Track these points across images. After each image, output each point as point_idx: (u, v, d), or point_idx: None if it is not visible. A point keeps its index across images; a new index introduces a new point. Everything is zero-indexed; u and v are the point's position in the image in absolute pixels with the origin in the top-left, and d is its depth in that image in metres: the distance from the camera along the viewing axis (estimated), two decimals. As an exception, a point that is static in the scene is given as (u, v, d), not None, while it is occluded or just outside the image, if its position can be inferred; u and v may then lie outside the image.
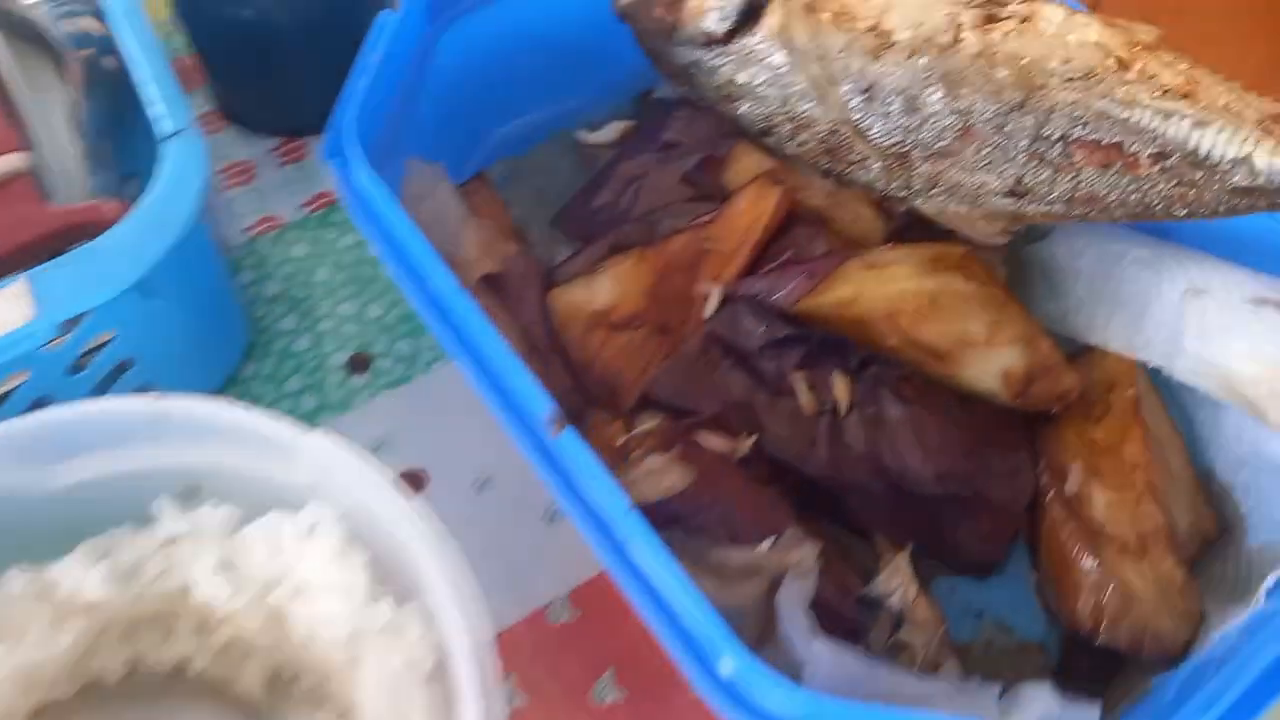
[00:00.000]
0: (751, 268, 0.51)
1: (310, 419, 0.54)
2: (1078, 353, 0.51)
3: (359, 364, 0.56)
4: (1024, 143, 0.45)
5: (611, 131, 0.61)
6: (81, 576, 0.39)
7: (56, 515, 0.40)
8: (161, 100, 0.47)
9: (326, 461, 0.39)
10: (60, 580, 0.39)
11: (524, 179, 0.61)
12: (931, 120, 0.47)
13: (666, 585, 0.36)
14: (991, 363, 0.48)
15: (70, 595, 0.39)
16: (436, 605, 0.36)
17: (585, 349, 0.50)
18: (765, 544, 0.42)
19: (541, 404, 0.40)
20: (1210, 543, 0.46)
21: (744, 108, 0.53)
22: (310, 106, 0.54)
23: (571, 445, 0.39)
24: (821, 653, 0.38)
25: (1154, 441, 0.46)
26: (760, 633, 0.41)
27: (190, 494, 0.42)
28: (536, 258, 0.56)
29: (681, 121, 0.58)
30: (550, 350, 0.51)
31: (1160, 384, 0.47)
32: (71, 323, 0.42)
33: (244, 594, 0.41)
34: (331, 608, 0.40)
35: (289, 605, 0.41)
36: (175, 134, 0.45)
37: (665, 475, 0.45)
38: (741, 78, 0.52)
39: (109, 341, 0.46)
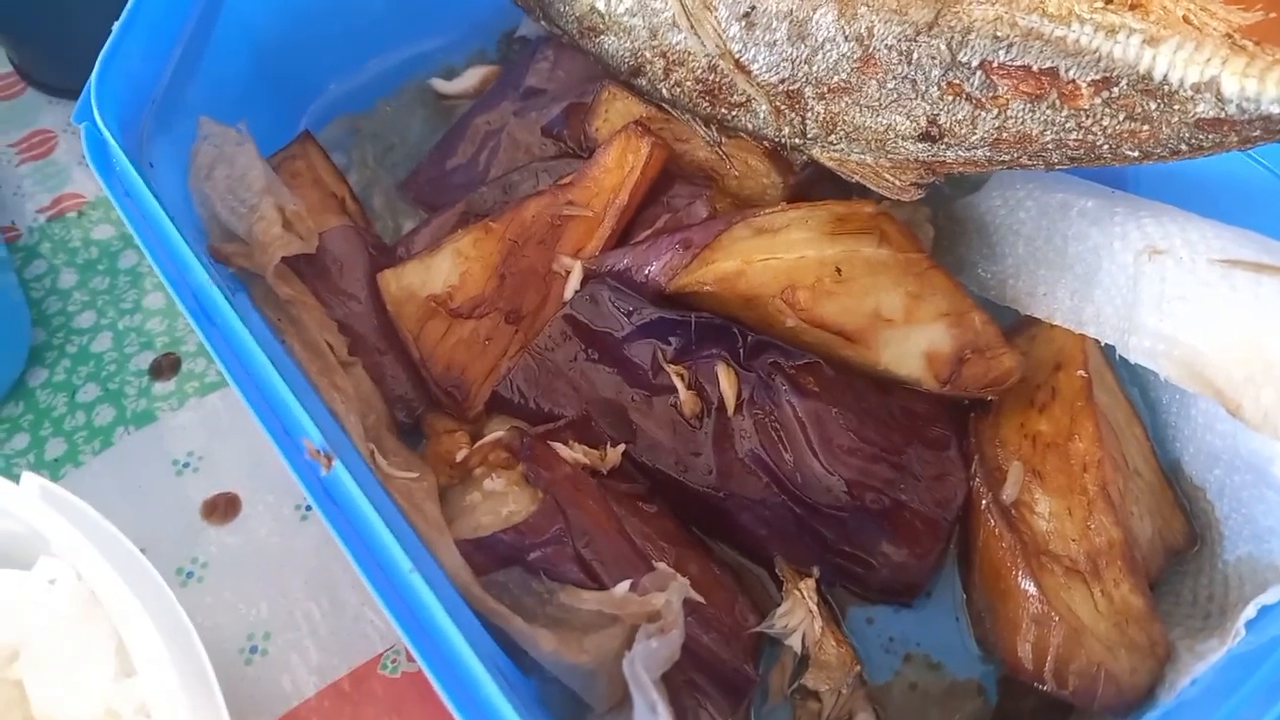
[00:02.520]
0: (621, 237, 0.42)
1: (106, 435, 0.45)
2: (1018, 325, 0.42)
3: (165, 367, 0.47)
4: (936, 73, 0.37)
5: (470, 79, 0.52)
6: None
7: None
8: None
9: (47, 519, 0.31)
10: None
11: (368, 139, 0.52)
12: (824, 48, 0.38)
13: (465, 663, 0.27)
14: (912, 343, 0.40)
15: None
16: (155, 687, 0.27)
17: (422, 342, 0.42)
18: (623, 586, 0.33)
19: (310, 432, 0.31)
20: (1178, 553, 0.38)
21: (609, 42, 0.44)
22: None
23: (347, 486, 0.30)
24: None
25: (1109, 432, 0.38)
26: (620, 695, 0.33)
27: None
28: (371, 231, 0.47)
29: (546, 64, 0.49)
30: (384, 344, 0.42)
31: (1120, 361, 0.38)
32: None
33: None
34: (75, 682, 0.31)
35: (31, 680, 0.32)
36: None
37: (506, 500, 0.37)
38: (603, 5, 0.43)
39: None
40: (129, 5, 0.41)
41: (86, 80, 0.54)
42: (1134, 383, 0.42)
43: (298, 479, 0.31)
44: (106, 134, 0.37)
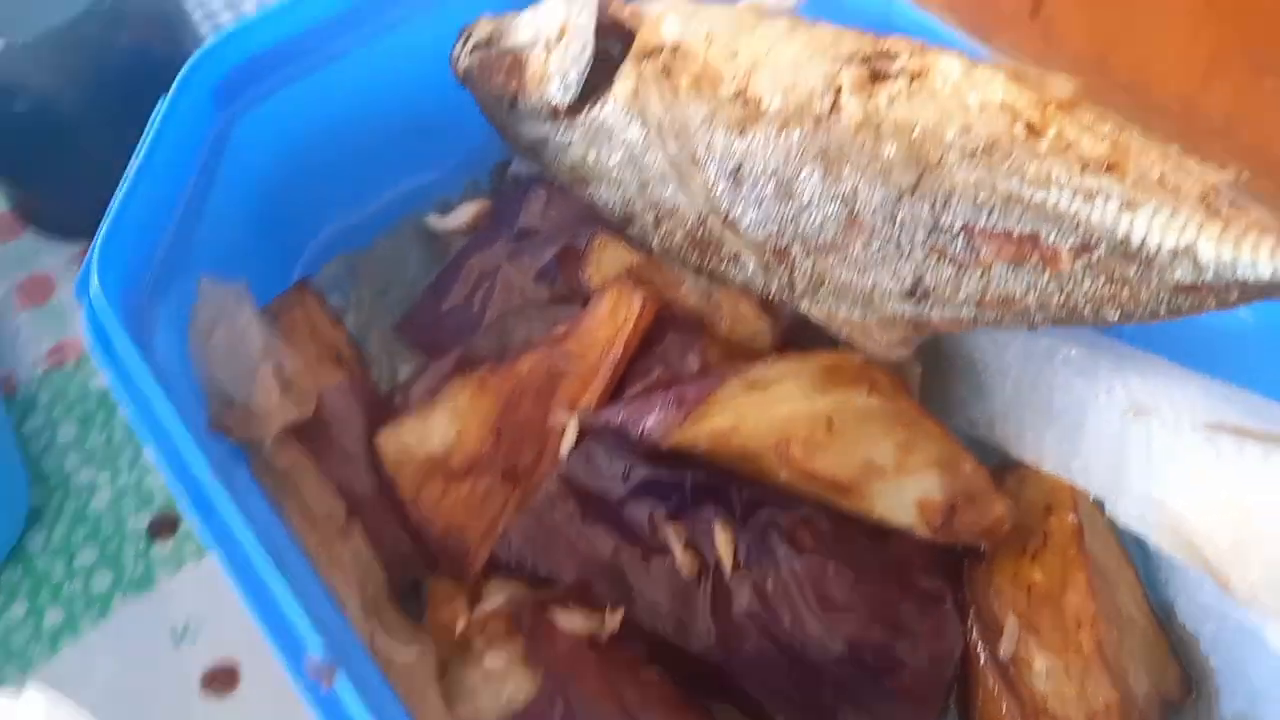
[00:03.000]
0: (615, 389, 0.43)
1: (104, 602, 0.45)
2: (1008, 463, 0.43)
3: (164, 527, 0.47)
4: (920, 235, 0.37)
5: (464, 214, 0.53)
6: None
7: None
8: None
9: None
10: None
11: (366, 276, 0.53)
12: (810, 208, 0.39)
13: None
14: (905, 493, 0.40)
15: None
16: None
17: (421, 503, 0.42)
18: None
19: (311, 643, 0.31)
20: (1173, 705, 0.38)
21: (599, 192, 0.45)
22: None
23: (348, 701, 0.30)
24: None
25: (1102, 581, 0.38)
26: None
27: None
28: (368, 382, 0.47)
29: (538, 204, 0.50)
30: (383, 506, 0.42)
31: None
32: None
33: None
34: None
35: None
36: None
37: (506, 682, 0.37)
38: (593, 157, 0.44)
39: None
40: (128, 174, 0.42)
41: (88, 220, 0.55)
42: (1127, 523, 0.42)
43: (298, 689, 0.31)
44: (106, 315, 0.37)
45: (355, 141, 0.51)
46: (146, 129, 0.42)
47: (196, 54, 0.43)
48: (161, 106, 0.42)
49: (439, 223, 0.53)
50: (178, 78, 0.43)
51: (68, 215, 0.57)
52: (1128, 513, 0.34)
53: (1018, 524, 0.40)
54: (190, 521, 0.34)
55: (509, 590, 0.40)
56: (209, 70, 0.44)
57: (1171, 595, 0.39)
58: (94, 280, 0.38)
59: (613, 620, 0.39)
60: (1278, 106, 1.27)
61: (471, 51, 0.47)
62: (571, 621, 0.38)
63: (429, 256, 0.53)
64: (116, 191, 0.41)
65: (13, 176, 0.56)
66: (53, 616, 0.44)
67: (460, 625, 0.38)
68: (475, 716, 0.35)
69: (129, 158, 0.42)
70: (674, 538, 0.39)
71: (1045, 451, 0.40)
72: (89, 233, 0.49)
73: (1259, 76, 1.28)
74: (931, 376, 0.46)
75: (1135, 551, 0.41)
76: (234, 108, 0.46)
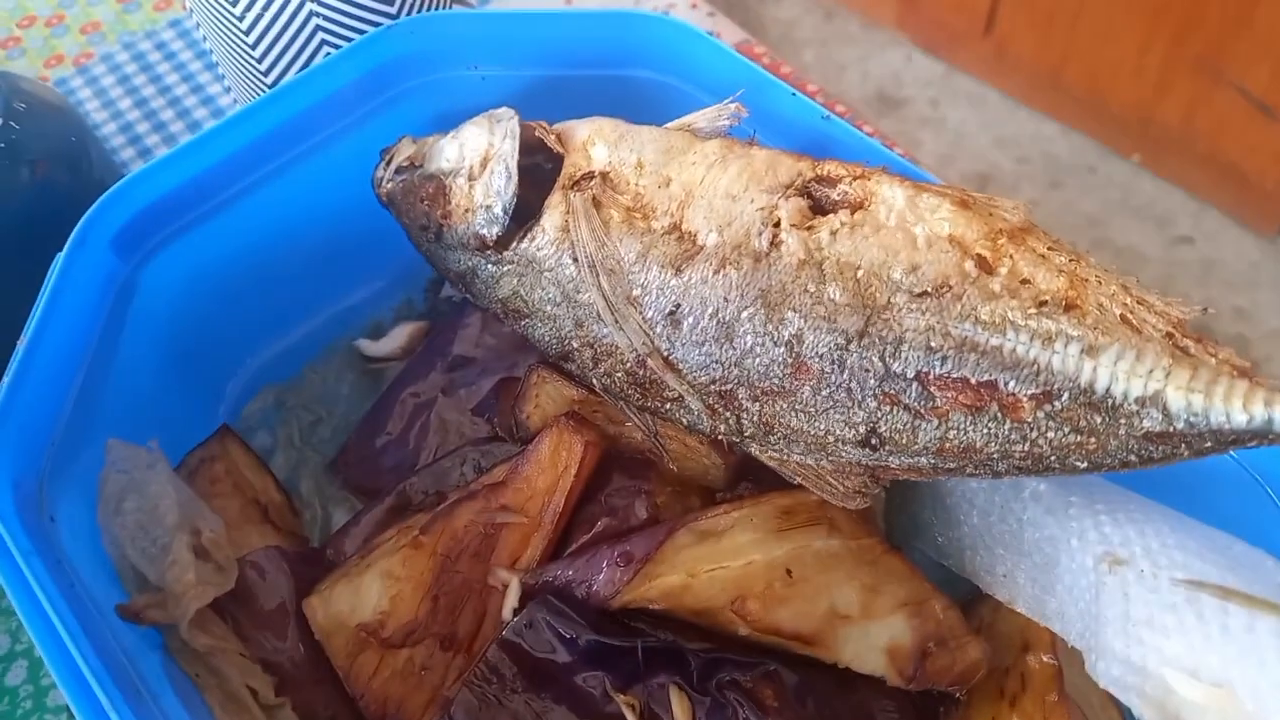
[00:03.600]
0: (559, 541, 0.40)
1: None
2: (981, 594, 0.41)
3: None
4: (871, 381, 0.35)
5: (397, 338, 0.50)
6: None
7: None
8: None
9: None
10: None
11: (295, 409, 0.50)
12: (754, 351, 0.37)
13: None
14: (873, 639, 0.38)
15: None
16: None
17: (356, 675, 0.39)
18: None
19: None
20: None
21: (535, 327, 0.42)
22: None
23: None
24: None
25: (1084, 725, 0.36)
26: None
27: None
28: (298, 537, 0.44)
29: (473, 330, 0.48)
30: (313, 676, 0.40)
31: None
32: None
33: None
34: None
35: None
36: None
37: None
38: (526, 290, 0.41)
39: None
40: (24, 335, 0.39)
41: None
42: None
43: None
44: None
45: (276, 269, 0.49)
46: (44, 286, 0.40)
47: (92, 208, 0.41)
48: (56, 265, 0.40)
49: (371, 348, 0.51)
50: (73, 233, 0.40)
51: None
52: (1109, 675, 0.32)
53: (994, 663, 0.38)
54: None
55: (454, 775, 0.37)
56: (107, 222, 0.41)
57: (1155, 739, 0.37)
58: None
59: (566, 804, 0.36)
60: (1231, 114, 1.27)
61: (394, 174, 0.45)
62: (518, 812, 0.36)
63: (361, 385, 0.50)
64: (10, 361, 0.38)
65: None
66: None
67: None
68: None
69: (28, 306, 0.39)
70: (627, 710, 0.37)
71: (1018, 591, 0.38)
72: None
73: (1210, 86, 1.28)
74: (896, 500, 0.44)
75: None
76: (138, 255, 0.44)
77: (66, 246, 0.40)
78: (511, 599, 0.39)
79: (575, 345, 0.41)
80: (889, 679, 0.38)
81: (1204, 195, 1.37)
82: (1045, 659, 0.38)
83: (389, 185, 0.45)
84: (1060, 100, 1.45)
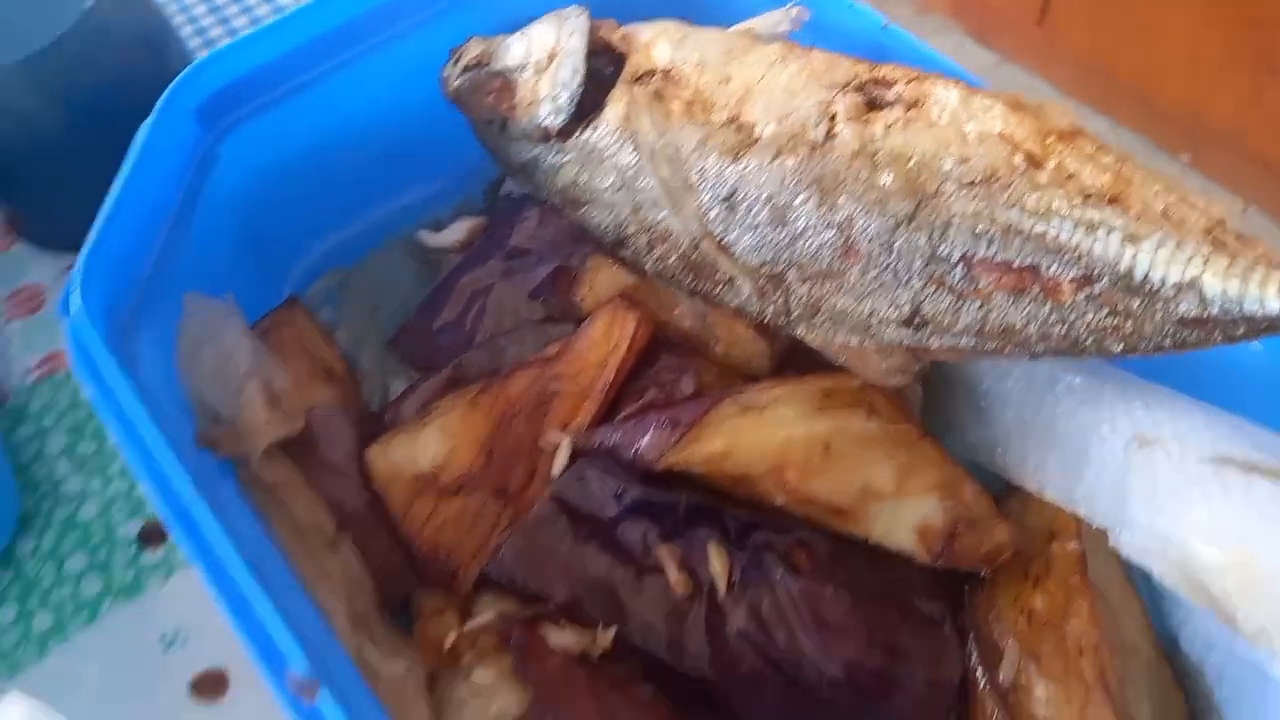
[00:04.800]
0: (608, 412, 0.42)
1: (93, 608, 0.44)
2: (1010, 489, 0.42)
3: (153, 536, 0.46)
4: (918, 264, 0.37)
5: (457, 232, 0.52)
6: None
7: None
8: None
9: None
10: None
11: (356, 294, 0.52)
12: (805, 235, 0.39)
13: None
14: (904, 516, 0.40)
15: None
16: None
17: (410, 521, 0.41)
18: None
19: (293, 659, 0.30)
20: (1176, 735, 0.37)
21: (592, 215, 0.44)
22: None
23: (331, 718, 0.29)
24: None
25: (1105, 609, 0.38)
26: None
27: None
28: (359, 399, 0.47)
29: (530, 224, 0.49)
30: (372, 520, 0.42)
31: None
32: None
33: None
34: None
35: None
36: None
37: (495, 697, 0.36)
38: (585, 179, 0.44)
39: None
40: (111, 194, 0.41)
41: (77, 234, 0.55)
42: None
43: (281, 704, 0.30)
44: (88, 333, 0.37)
45: (345, 159, 0.51)
46: (130, 149, 0.42)
47: (180, 76, 0.43)
48: (144, 128, 0.42)
49: (431, 239, 0.53)
50: (160, 99, 0.42)
51: (57, 229, 0.56)
52: (1132, 544, 0.34)
53: (1020, 550, 0.40)
54: (174, 537, 0.34)
55: (499, 606, 0.39)
56: (192, 91, 0.44)
57: (1176, 625, 0.39)
58: (76, 298, 0.38)
59: (604, 638, 0.38)
60: (1281, 113, 1.25)
61: (462, 73, 0.47)
62: (563, 639, 0.38)
63: (421, 274, 0.53)
64: (100, 210, 0.40)
65: (5, 188, 0.55)
66: (41, 621, 0.44)
67: (449, 640, 0.38)
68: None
69: (115, 174, 0.41)
70: (668, 558, 0.39)
71: (1048, 479, 0.39)
72: (78, 246, 0.48)
73: (1263, 84, 1.28)
74: (932, 401, 0.45)
75: (1140, 581, 0.41)
76: (219, 128, 0.46)
77: (155, 109, 0.43)
78: (561, 457, 0.41)
79: (631, 231, 0.43)
80: (917, 556, 0.40)
81: (1252, 195, 1.37)
82: (1070, 545, 0.39)
83: (457, 83, 0.47)
84: (1110, 94, 1.45)
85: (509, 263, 0.49)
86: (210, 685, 0.42)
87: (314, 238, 0.52)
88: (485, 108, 0.46)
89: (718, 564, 0.39)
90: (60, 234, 0.56)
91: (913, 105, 0.39)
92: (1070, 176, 0.36)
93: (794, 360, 0.44)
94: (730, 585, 0.39)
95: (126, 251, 0.41)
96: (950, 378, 0.45)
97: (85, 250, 0.39)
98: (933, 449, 0.41)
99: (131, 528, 0.47)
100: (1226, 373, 0.37)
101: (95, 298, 0.38)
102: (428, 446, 0.42)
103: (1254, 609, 0.30)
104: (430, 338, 0.49)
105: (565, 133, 0.43)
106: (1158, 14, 1.34)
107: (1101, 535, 0.40)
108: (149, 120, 0.42)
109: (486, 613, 0.39)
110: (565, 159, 0.44)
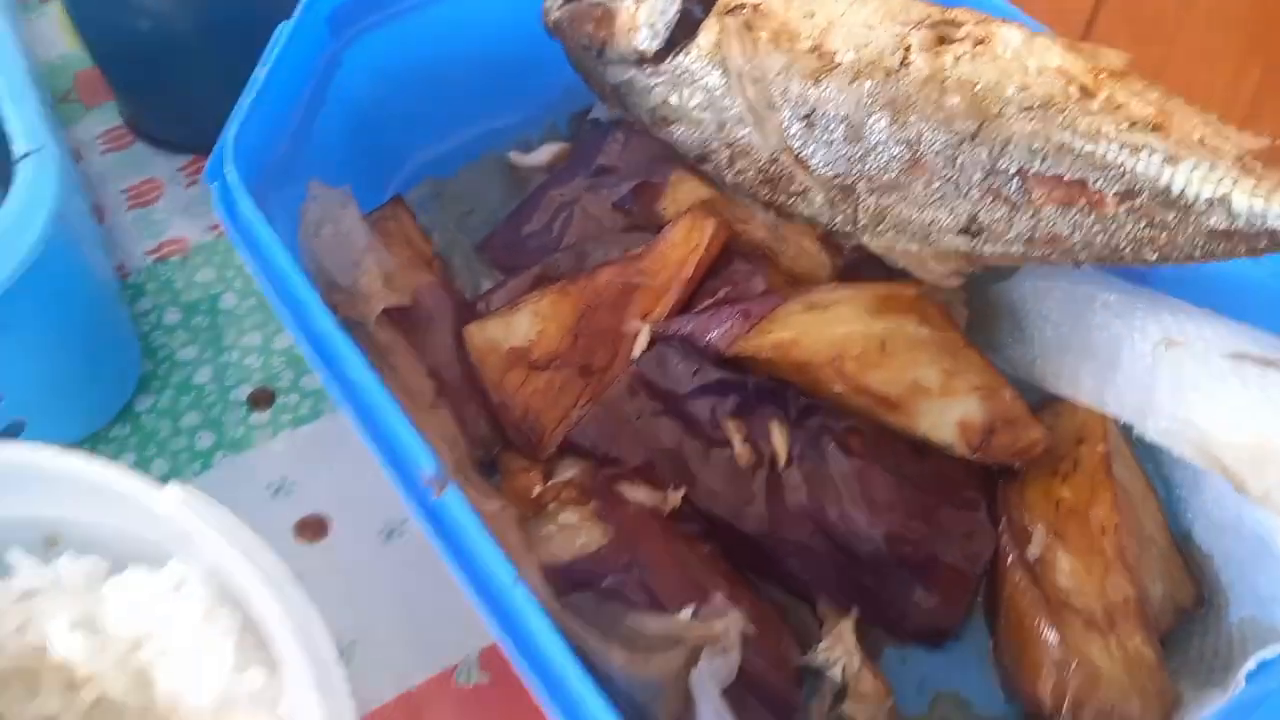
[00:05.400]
0: (684, 306, 0.47)
1: (206, 458, 0.49)
2: (1044, 403, 0.47)
3: (261, 400, 0.51)
4: (977, 177, 0.41)
5: (544, 154, 0.57)
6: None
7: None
8: (16, 118, 0.42)
9: (185, 519, 0.35)
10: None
11: (450, 202, 0.57)
12: (877, 150, 0.43)
13: (557, 666, 0.31)
14: (947, 413, 0.44)
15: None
16: (292, 681, 0.31)
17: (502, 389, 0.46)
18: (686, 612, 0.38)
19: (424, 461, 0.35)
20: (1187, 613, 0.42)
21: (679, 132, 0.49)
22: (220, 122, 0.49)
23: (455, 508, 0.34)
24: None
25: (1126, 502, 0.42)
26: (680, 709, 0.37)
27: (48, 544, 0.38)
28: (456, 288, 0.51)
29: (616, 146, 0.54)
30: (466, 390, 0.47)
31: (1136, 439, 0.43)
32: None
33: (107, 653, 0.37)
34: (198, 672, 0.35)
35: (155, 667, 0.36)
36: (27, 155, 0.41)
37: (579, 533, 0.41)
38: (675, 100, 0.48)
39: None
40: (255, 81, 0.46)
41: (191, 134, 0.60)
42: (1149, 459, 0.46)
43: (408, 502, 0.35)
44: (236, 189, 0.42)
45: (450, 78, 0.56)
46: (269, 46, 0.47)
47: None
48: (285, 27, 0.47)
49: (520, 159, 0.57)
50: (301, 3, 0.47)
51: (176, 131, 0.61)
52: (1157, 429, 0.38)
53: (1050, 451, 0.44)
54: (315, 366, 0.38)
55: (580, 465, 0.44)
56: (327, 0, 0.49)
57: (1189, 523, 0.43)
58: (228, 163, 0.43)
59: (674, 498, 0.43)
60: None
61: (563, 4, 0.52)
62: (637, 494, 0.42)
63: (509, 189, 0.57)
64: (242, 96, 0.45)
65: (130, 91, 0.60)
66: (158, 467, 0.48)
67: (536, 490, 0.43)
68: (552, 558, 0.39)
69: (238, 82, 0.46)
70: (734, 432, 0.43)
71: (1081, 385, 0.44)
72: (193, 149, 0.54)
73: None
74: (976, 322, 0.50)
75: (1158, 484, 0.45)
76: (345, 35, 0.51)
77: (297, 12, 0.48)
78: (641, 342, 0.45)
79: (715, 147, 0.48)
80: (957, 449, 0.44)
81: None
82: (1098, 447, 0.44)
83: (557, 14, 0.52)
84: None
85: (595, 179, 0.53)
86: (312, 529, 0.47)
87: (415, 148, 0.57)
88: (584, 35, 0.51)
89: (779, 440, 0.43)
90: (178, 134, 0.61)
91: (980, 42, 0.43)
92: (1119, 106, 0.40)
93: (852, 276, 0.48)
94: (789, 460, 0.43)
95: (263, 137, 0.46)
96: (994, 302, 0.50)
97: (233, 127, 0.44)
98: (976, 356, 0.45)
99: (241, 392, 0.51)
100: (1245, 291, 0.42)
101: (241, 166, 0.43)
102: (520, 327, 0.47)
103: (1263, 474, 0.35)
104: (518, 243, 0.53)
105: (659, 57, 0.48)
106: (1202, 41, 1.37)
107: (1126, 443, 0.45)
108: (291, 21, 0.47)
109: (568, 471, 0.44)
110: (658, 81, 0.48)
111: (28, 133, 0.42)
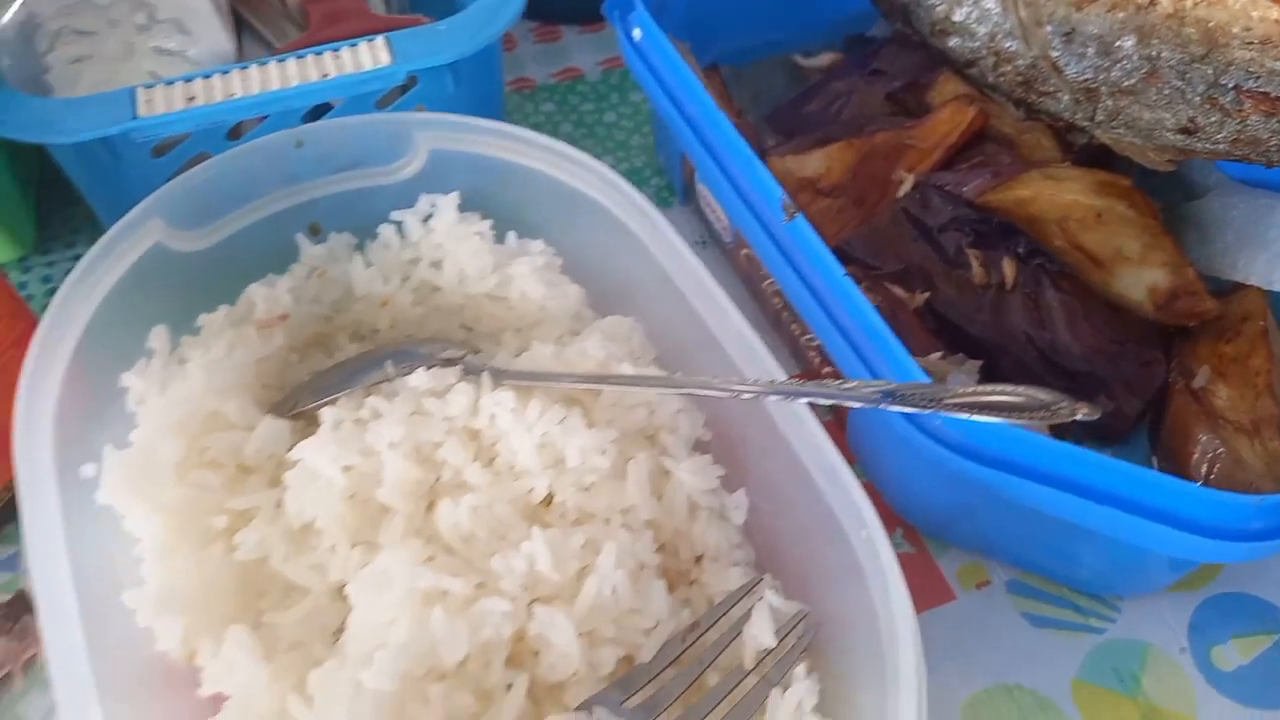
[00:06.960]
0: (944, 166, 0.60)
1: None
2: (1218, 291, 0.58)
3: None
4: (1201, 88, 0.54)
5: (825, 59, 0.71)
6: (270, 294, 0.48)
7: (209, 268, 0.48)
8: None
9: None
10: (255, 301, 0.48)
11: (743, 84, 0.71)
12: (1122, 62, 0.56)
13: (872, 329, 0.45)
14: (1141, 278, 0.56)
15: (268, 308, 0.48)
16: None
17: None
18: (935, 355, 0.51)
19: (775, 192, 0.49)
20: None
21: (953, 42, 0.62)
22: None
23: (803, 228, 0.48)
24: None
25: (1277, 364, 0.54)
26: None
27: (311, 233, 0.51)
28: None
29: (889, 53, 0.68)
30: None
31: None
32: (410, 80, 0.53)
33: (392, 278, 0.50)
34: (467, 250, 0.50)
35: (432, 275, 0.51)
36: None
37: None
38: (957, 15, 0.61)
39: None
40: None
41: (540, 6, 0.74)
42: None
43: (754, 242, 0.48)
44: (639, 16, 0.56)
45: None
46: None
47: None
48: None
49: (804, 60, 0.71)
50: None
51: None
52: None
53: (1219, 321, 0.56)
54: (688, 151, 0.52)
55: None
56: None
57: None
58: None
59: (919, 298, 0.55)
60: None
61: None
62: (894, 290, 0.55)
63: (792, 81, 0.71)
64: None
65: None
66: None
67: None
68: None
69: None
70: (974, 258, 0.56)
71: (1253, 270, 0.55)
72: (537, 16, 0.69)
73: None
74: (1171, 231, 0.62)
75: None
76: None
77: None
78: (907, 186, 0.59)
79: (983, 54, 0.61)
80: (1145, 307, 0.56)
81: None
82: (1260, 323, 0.55)
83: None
84: None
85: (869, 77, 0.67)
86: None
87: (722, 39, 0.71)
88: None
89: (1009, 269, 0.56)
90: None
91: (1215, -5, 0.56)
92: (1323, 50, 0.52)
93: (1074, 174, 0.61)
94: (1014, 285, 0.56)
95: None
96: (1184, 218, 0.62)
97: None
98: (1169, 240, 0.57)
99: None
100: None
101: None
102: (812, 162, 0.60)
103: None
104: (800, 118, 0.67)
105: (947, -20, 0.62)
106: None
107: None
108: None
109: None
110: (943, 1, 0.62)
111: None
